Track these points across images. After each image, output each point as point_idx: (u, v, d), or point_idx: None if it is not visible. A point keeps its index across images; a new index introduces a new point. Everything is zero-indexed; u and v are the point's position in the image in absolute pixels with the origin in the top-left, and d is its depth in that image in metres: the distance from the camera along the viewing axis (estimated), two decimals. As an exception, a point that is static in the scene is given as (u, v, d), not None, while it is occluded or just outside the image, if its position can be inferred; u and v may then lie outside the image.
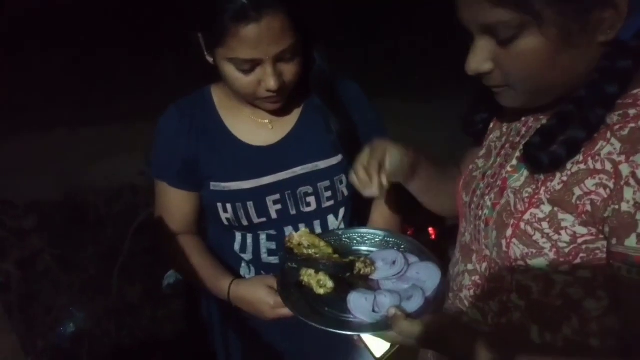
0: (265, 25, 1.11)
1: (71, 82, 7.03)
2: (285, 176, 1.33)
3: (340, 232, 1.27)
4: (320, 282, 1.08)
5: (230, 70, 1.19)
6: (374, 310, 0.99)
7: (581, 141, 0.83)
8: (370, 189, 1.08)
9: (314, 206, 1.36)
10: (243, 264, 1.42)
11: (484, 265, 1.00)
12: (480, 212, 1.01)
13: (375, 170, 1.08)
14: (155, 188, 1.43)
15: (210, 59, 1.25)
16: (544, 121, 0.93)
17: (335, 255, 1.13)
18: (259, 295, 1.24)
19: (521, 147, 0.97)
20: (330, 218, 1.40)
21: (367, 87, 1.46)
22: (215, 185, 1.33)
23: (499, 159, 1.03)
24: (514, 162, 0.98)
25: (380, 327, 0.96)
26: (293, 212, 1.35)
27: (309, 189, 1.34)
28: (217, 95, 1.39)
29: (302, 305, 1.05)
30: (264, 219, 1.34)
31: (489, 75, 0.88)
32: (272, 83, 1.17)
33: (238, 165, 1.33)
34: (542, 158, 0.86)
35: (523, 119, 1.02)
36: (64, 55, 8.10)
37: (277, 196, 1.33)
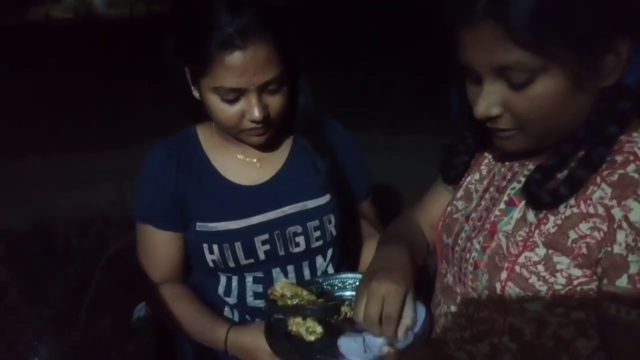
0: (251, 53, 1.11)
1: (42, 109, 6.95)
2: (274, 215, 1.32)
3: (320, 280, 1.27)
4: (309, 329, 1.08)
5: (214, 101, 1.18)
6: (365, 352, 0.99)
7: (583, 179, 0.86)
8: None
9: (302, 246, 1.34)
10: (226, 308, 1.38)
11: (471, 307, 1.00)
12: (467, 255, 1.02)
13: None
14: (137, 233, 1.38)
15: (196, 94, 1.24)
16: (530, 166, 0.97)
17: (320, 300, 1.14)
18: (258, 343, 1.19)
19: (509, 191, 0.99)
20: (319, 259, 1.39)
21: (345, 119, 1.48)
22: (201, 226, 1.30)
23: (483, 202, 1.05)
24: (502, 205, 0.99)
25: None
26: (282, 252, 1.33)
27: (298, 229, 1.33)
28: (203, 134, 1.38)
29: (294, 356, 1.05)
30: (251, 260, 1.32)
31: (497, 119, 0.89)
32: (256, 114, 1.16)
33: (225, 205, 1.31)
34: (543, 195, 0.88)
35: (507, 163, 1.04)
36: (34, 80, 8.02)
37: (266, 236, 1.31)
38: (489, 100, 0.86)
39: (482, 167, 1.10)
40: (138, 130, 5.88)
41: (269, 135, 1.27)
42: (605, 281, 0.82)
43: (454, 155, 1.13)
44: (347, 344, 1.02)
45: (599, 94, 0.85)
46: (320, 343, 1.06)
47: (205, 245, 1.30)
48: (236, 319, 1.38)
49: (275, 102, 1.20)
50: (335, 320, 1.09)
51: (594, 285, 0.85)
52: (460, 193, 1.13)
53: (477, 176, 1.11)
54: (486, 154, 1.11)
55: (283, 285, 1.16)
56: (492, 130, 0.92)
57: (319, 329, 1.07)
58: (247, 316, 1.37)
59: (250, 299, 1.36)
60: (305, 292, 1.15)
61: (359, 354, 0.99)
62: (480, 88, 0.88)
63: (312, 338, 1.07)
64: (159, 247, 1.35)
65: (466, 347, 1.01)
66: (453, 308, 1.04)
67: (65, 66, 8.56)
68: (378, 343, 0.98)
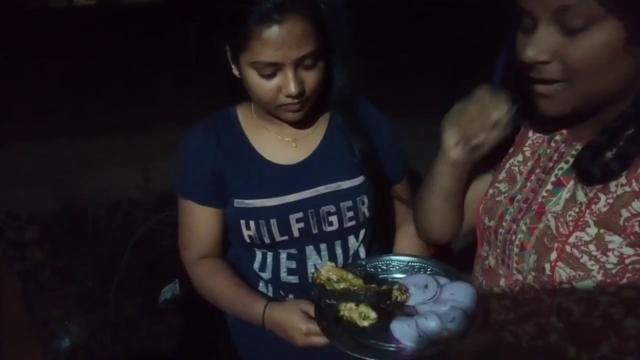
0: (287, 28, 1.14)
1: (69, 94, 7.04)
2: (308, 195, 1.34)
3: (364, 262, 1.26)
4: (362, 314, 1.06)
5: (252, 77, 1.21)
6: (419, 336, 0.99)
7: (634, 156, 0.86)
8: None
9: (335, 225, 1.35)
10: (261, 283, 1.42)
11: (516, 289, 1.00)
12: (513, 237, 1.02)
13: None
14: (179, 209, 1.42)
15: (236, 72, 1.27)
16: (578, 146, 0.96)
17: (373, 285, 1.12)
18: (293, 321, 1.21)
19: (556, 171, 0.98)
20: (351, 239, 1.40)
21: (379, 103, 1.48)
22: (239, 202, 1.34)
23: (529, 184, 1.04)
24: (549, 186, 0.99)
25: (430, 352, 0.97)
26: (315, 230, 1.35)
27: (332, 208, 1.34)
28: (242, 114, 1.41)
29: (347, 341, 1.04)
30: (286, 237, 1.34)
31: (544, 67, 0.87)
32: (292, 89, 1.18)
33: (262, 183, 1.34)
34: (595, 171, 0.88)
35: (553, 144, 1.04)
36: (62, 66, 8.12)
37: (300, 214, 1.33)
38: (541, 44, 0.85)
39: (526, 149, 1.09)
40: (161, 114, 5.93)
41: (305, 111, 1.29)
42: None
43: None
44: (400, 328, 1.02)
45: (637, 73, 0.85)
46: (373, 328, 1.05)
47: (242, 222, 1.33)
48: (270, 293, 1.41)
49: (311, 77, 1.22)
50: (386, 304, 1.08)
51: None
52: (502, 175, 1.12)
53: (520, 158, 1.10)
54: (530, 135, 1.10)
55: (329, 269, 1.15)
56: (536, 83, 0.90)
57: (372, 315, 1.06)
58: (280, 291, 1.40)
59: (284, 275, 1.38)
60: (350, 276, 1.14)
61: (413, 339, 0.99)
62: (532, 36, 0.87)
63: (365, 324, 1.05)
64: (200, 222, 1.39)
65: (511, 328, 1.02)
66: (496, 290, 1.04)
67: (89, 51, 8.63)
68: (431, 326, 0.99)
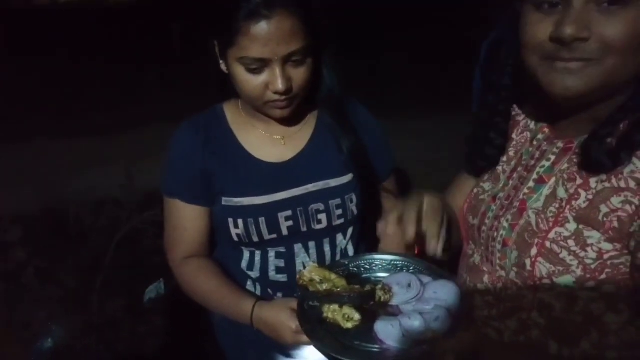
0: (276, 23, 1.14)
1: (52, 92, 6.97)
2: (297, 192, 1.34)
3: (346, 262, 1.26)
4: (347, 316, 1.06)
5: (240, 72, 1.21)
6: (403, 336, 0.99)
7: (638, 141, 0.87)
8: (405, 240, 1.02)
9: (324, 223, 1.36)
10: (249, 282, 1.41)
11: (499, 285, 1.02)
12: (495, 234, 1.03)
13: (412, 220, 1.00)
14: (165, 209, 1.41)
15: (224, 67, 1.27)
16: (559, 144, 0.98)
17: (357, 286, 1.12)
18: (282, 319, 1.21)
19: (538, 169, 1.00)
20: (339, 237, 1.41)
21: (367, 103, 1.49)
22: (227, 201, 1.33)
23: (511, 182, 1.06)
24: (531, 184, 1.01)
25: (414, 352, 0.97)
26: (304, 229, 1.35)
27: (321, 206, 1.35)
28: (230, 112, 1.41)
29: (331, 342, 1.03)
30: (274, 235, 1.34)
31: (579, 45, 0.86)
32: (279, 85, 1.19)
33: (251, 181, 1.34)
34: (604, 161, 0.89)
35: (535, 143, 1.05)
36: (45, 65, 8.04)
37: (289, 212, 1.33)
38: (580, 22, 0.84)
39: (510, 149, 1.11)
40: (145, 113, 5.90)
41: (292, 108, 1.29)
42: (639, 254, 0.83)
43: (486, 144, 1.13)
44: (384, 329, 1.01)
45: None
46: (357, 329, 1.05)
47: (230, 220, 1.33)
48: (258, 292, 1.41)
49: (299, 74, 1.22)
50: (370, 305, 1.07)
51: (624, 259, 0.86)
52: (487, 175, 1.14)
53: (504, 158, 1.12)
54: (514, 136, 1.12)
55: (311, 270, 1.14)
56: (564, 61, 0.89)
57: (356, 316, 1.05)
58: (269, 290, 1.40)
59: (272, 274, 1.38)
60: (334, 276, 1.14)
61: (397, 339, 0.99)
62: (558, 13, 0.86)
63: (349, 325, 1.05)
64: (187, 221, 1.38)
65: (494, 324, 1.03)
66: (480, 286, 1.06)
67: (72, 50, 8.56)
68: (415, 326, 0.98)
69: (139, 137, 5.19)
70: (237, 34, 1.16)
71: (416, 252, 1.87)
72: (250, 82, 1.21)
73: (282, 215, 1.33)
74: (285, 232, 1.34)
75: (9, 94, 6.60)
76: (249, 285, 1.42)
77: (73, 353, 2.50)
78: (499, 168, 1.12)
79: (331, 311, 1.07)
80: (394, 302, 1.08)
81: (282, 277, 1.38)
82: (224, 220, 1.34)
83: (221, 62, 1.27)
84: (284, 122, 1.35)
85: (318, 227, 1.36)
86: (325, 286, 1.12)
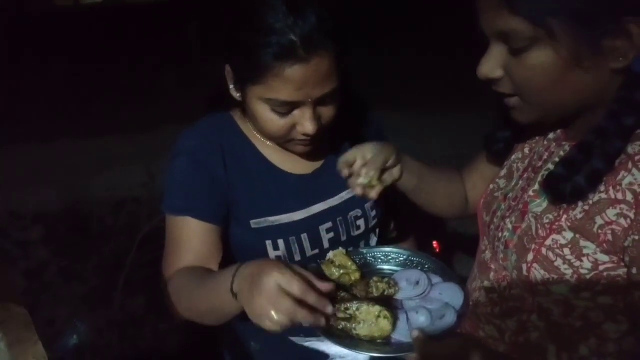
0: (314, 67, 1.02)
1: (73, 93, 7.06)
2: (335, 202, 1.27)
3: (365, 251, 1.24)
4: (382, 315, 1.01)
5: (263, 111, 1.09)
6: (408, 330, 0.98)
7: (601, 172, 0.84)
8: (360, 186, 1.07)
9: (362, 229, 1.31)
10: None
11: (504, 284, 1.00)
12: (500, 234, 1.02)
13: (360, 166, 1.07)
14: (167, 232, 1.20)
15: (236, 94, 1.15)
16: (567, 147, 0.95)
17: (362, 287, 1.07)
18: (268, 262, 0.93)
19: (543, 172, 0.98)
20: (372, 237, 1.37)
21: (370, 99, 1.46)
22: (258, 222, 1.19)
23: (521, 182, 1.04)
24: (536, 187, 0.99)
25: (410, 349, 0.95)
26: (344, 238, 1.28)
27: (359, 212, 1.29)
28: (241, 121, 1.26)
29: (341, 336, 1.00)
30: (317, 251, 1.25)
31: (499, 83, 0.90)
32: (310, 127, 1.08)
33: (286, 196, 1.22)
34: (564, 189, 0.87)
35: (545, 142, 1.03)
36: (66, 66, 8.14)
37: (330, 224, 1.26)
38: (492, 62, 0.88)
39: (526, 146, 1.09)
40: (165, 113, 5.94)
41: (316, 145, 1.20)
42: (634, 270, 0.81)
43: (497, 130, 1.12)
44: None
45: (613, 77, 0.83)
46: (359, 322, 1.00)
47: (269, 242, 1.19)
48: None
49: (328, 113, 1.12)
50: (374, 298, 1.05)
51: (621, 272, 0.83)
52: (503, 171, 1.12)
53: (519, 155, 1.10)
54: (531, 133, 1.10)
55: (337, 253, 1.13)
56: (501, 99, 0.93)
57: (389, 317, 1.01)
58: None
59: None
60: (353, 267, 1.12)
61: (404, 333, 0.97)
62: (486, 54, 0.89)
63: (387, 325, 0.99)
64: (192, 238, 1.16)
65: (495, 322, 1.02)
66: (487, 283, 1.05)
67: (95, 51, 8.65)
68: (421, 321, 0.97)
69: (159, 136, 5.22)
70: (265, 72, 1.02)
71: (437, 249, 1.85)
72: (275, 122, 1.09)
73: (323, 228, 1.25)
74: (326, 244, 1.26)
75: (32, 95, 6.71)
76: None
77: (96, 350, 2.53)
78: (515, 165, 1.10)
79: (365, 312, 0.99)
80: (398, 296, 1.08)
81: None
82: (260, 243, 1.19)
83: (232, 87, 1.15)
84: None
85: (357, 233, 1.31)
86: (338, 273, 1.11)
